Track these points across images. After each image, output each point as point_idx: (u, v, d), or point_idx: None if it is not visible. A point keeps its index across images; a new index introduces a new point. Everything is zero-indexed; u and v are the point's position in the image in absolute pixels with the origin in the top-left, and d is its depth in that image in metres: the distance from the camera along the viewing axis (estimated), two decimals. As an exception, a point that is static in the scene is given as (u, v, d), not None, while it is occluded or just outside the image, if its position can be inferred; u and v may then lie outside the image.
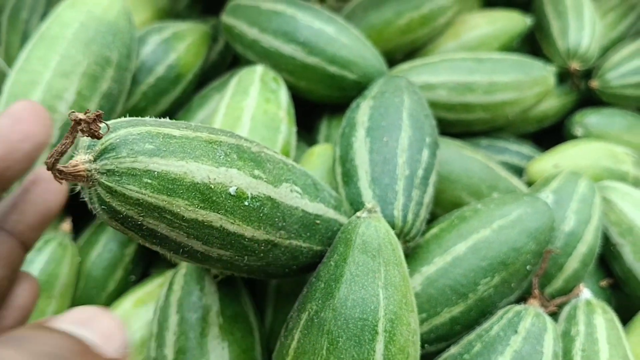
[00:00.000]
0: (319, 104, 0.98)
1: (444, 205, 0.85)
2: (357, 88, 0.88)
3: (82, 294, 0.80)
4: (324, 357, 0.52)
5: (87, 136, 0.41)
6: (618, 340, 0.69)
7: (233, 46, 0.94)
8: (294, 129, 0.83)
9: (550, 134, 1.14)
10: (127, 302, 0.76)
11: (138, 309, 0.75)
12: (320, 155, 0.84)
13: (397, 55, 1.05)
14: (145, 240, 0.48)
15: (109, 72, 0.77)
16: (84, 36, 0.75)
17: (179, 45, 0.91)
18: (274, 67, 0.89)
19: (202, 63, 0.97)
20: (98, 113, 0.41)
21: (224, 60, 1.08)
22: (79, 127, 0.41)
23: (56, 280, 0.74)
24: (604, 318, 0.72)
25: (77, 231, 0.86)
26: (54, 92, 0.73)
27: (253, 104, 0.79)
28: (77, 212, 0.84)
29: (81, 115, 0.40)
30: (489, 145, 1.03)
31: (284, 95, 0.85)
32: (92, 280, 0.80)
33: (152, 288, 0.79)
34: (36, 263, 0.74)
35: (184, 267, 0.71)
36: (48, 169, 0.43)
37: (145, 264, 0.89)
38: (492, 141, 1.04)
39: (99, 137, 0.42)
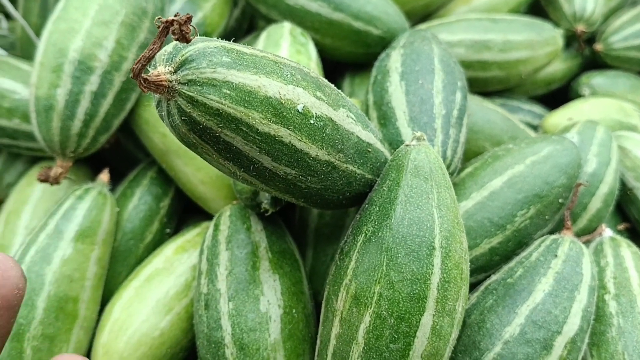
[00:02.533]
0: (339, 65, 1.00)
1: (468, 155, 0.88)
2: (381, 44, 0.91)
3: (120, 244, 0.81)
4: (384, 273, 0.54)
5: (177, 38, 0.43)
6: (645, 269, 0.73)
7: (255, 7, 0.96)
8: (324, 82, 0.85)
9: (556, 99, 1.18)
10: (169, 250, 0.78)
11: (179, 255, 0.77)
12: (348, 108, 0.86)
13: (411, 19, 1.08)
14: (220, 155, 0.50)
15: (146, 22, 0.78)
16: (121, -14, 0.76)
17: (205, 4, 0.92)
18: (299, 24, 0.91)
19: (226, 24, 0.98)
20: (188, 15, 0.42)
21: (240, 27, 1.10)
22: (171, 29, 0.42)
23: (99, 227, 0.75)
24: (630, 250, 0.75)
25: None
26: (94, 40, 0.74)
27: (286, 55, 0.81)
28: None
29: (172, 17, 0.42)
30: (502, 105, 1.06)
31: (312, 49, 0.87)
32: (130, 232, 0.82)
33: (191, 237, 0.80)
34: (78, 210, 0.74)
35: (228, 210, 0.73)
36: (133, 76, 0.44)
37: (178, 220, 0.91)
38: (505, 100, 1.07)
39: (188, 41, 0.43)
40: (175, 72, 0.46)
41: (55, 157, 0.77)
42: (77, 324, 0.71)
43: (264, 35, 0.87)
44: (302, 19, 0.90)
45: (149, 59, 0.44)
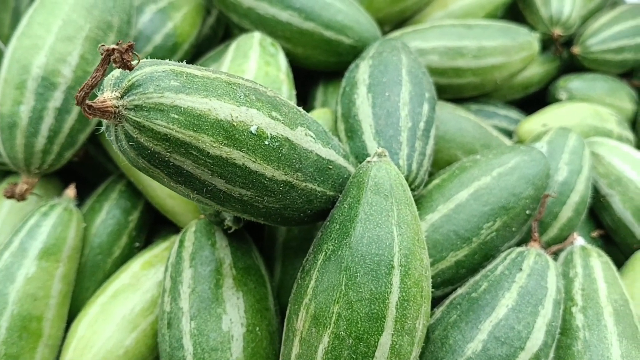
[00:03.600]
0: (313, 73, 1.00)
1: (440, 164, 0.88)
2: (352, 53, 0.90)
3: (88, 260, 0.80)
4: (343, 292, 0.54)
5: (119, 67, 0.42)
6: (614, 279, 0.73)
7: (227, 16, 0.95)
8: (294, 93, 0.85)
9: (534, 103, 1.18)
10: (136, 265, 0.77)
11: (146, 271, 0.76)
12: (319, 119, 0.85)
13: (386, 25, 1.07)
14: (171, 179, 0.49)
15: (111, 36, 0.77)
16: (85, 1, 0.75)
17: (175, 14, 0.92)
18: (271, 34, 0.90)
19: (198, 33, 0.97)
20: (130, 43, 0.42)
21: (215, 35, 1.09)
22: (112, 57, 0.42)
23: (64, 243, 0.74)
24: (599, 261, 0.75)
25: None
26: (58, 56, 0.73)
27: (254, 67, 0.80)
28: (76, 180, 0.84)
29: (114, 46, 0.41)
30: (478, 110, 1.06)
31: (282, 59, 0.86)
32: (98, 247, 0.81)
33: (159, 251, 0.79)
34: (43, 227, 0.74)
35: (193, 225, 0.72)
36: (77, 103, 0.44)
37: (147, 233, 0.90)
38: (481, 106, 1.07)
39: (130, 68, 0.43)
40: (122, 97, 0.45)
41: (21, 173, 0.77)
42: (41, 342, 0.71)
43: (233, 46, 0.86)
44: (274, 29, 0.90)
45: (92, 87, 0.43)
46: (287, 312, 0.61)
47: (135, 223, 0.85)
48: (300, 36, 0.89)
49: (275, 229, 0.77)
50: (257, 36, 0.87)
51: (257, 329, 0.64)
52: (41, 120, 0.73)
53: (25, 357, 0.69)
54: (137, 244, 0.85)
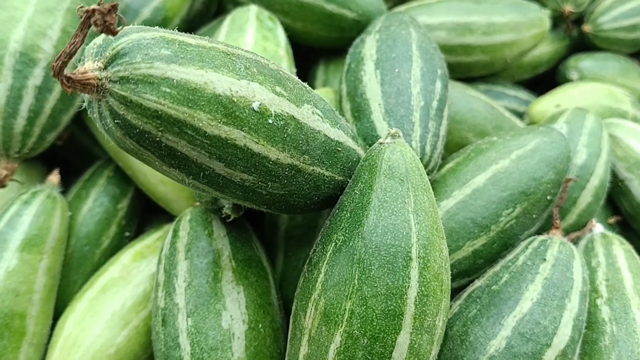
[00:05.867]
0: (313, 50, 0.94)
1: (450, 147, 0.82)
2: (356, 28, 0.84)
3: (74, 251, 0.74)
4: (356, 287, 0.49)
5: (100, 31, 0.36)
6: (638, 268, 0.68)
7: (222, -12, 0.89)
8: (294, 70, 0.79)
9: (542, 84, 1.13)
10: (126, 257, 0.72)
11: (138, 263, 0.71)
12: (321, 98, 0.80)
13: (389, 1, 1.01)
14: (163, 162, 0.44)
15: (95, 8, 0.71)
16: (66, -31, 0.69)
17: (164, -14, 0.85)
18: (268, 7, 0.84)
19: (189, 8, 0.91)
20: (113, 3, 0.36)
21: (207, 10, 1.02)
22: (92, 20, 0.36)
23: (47, 234, 0.68)
24: (622, 249, 0.71)
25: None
26: (37, 29, 0.67)
27: (251, 42, 0.74)
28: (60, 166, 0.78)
29: (94, 6, 0.36)
30: (487, 90, 1.00)
31: (281, 34, 0.80)
32: (85, 237, 0.75)
33: (151, 241, 0.74)
34: (24, 216, 0.68)
35: (188, 214, 0.66)
36: (54, 75, 0.38)
37: (138, 222, 0.84)
38: (489, 86, 1.01)
39: (114, 33, 0.37)
40: (105, 68, 0.40)
41: (-1, 158, 0.71)
42: (25, 341, 0.65)
43: (227, 20, 0.80)
44: (271, 2, 0.84)
45: (70, 55, 0.38)
46: (293, 308, 0.56)
47: (124, 211, 0.79)
48: (299, 10, 0.83)
49: (277, 217, 0.72)
50: (253, 9, 0.81)
51: (260, 325, 0.59)
52: (20, 99, 0.67)
53: (8, 357, 0.63)
54: (127, 234, 0.80)
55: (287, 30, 0.84)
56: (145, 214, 0.86)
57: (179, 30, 0.87)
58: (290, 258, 0.70)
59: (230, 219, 0.61)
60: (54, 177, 0.73)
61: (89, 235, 0.75)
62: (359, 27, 0.84)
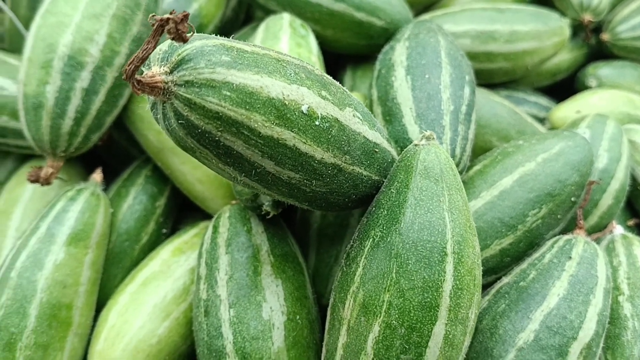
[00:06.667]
0: (339, 57, 0.97)
1: (474, 150, 0.84)
2: (384, 35, 0.88)
3: (115, 246, 0.78)
4: (394, 280, 0.52)
5: (173, 38, 0.40)
6: (659, 268, 0.71)
7: (253, -4, 0.92)
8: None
9: (560, 90, 1.15)
10: (165, 252, 0.75)
11: (177, 258, 0.74)
12: (350, 103, 0.83)
13: (413, 9, 1.04)
14: (219, 160, 0.47)
15: (139, 15, 0.75)
16: (113, -22, 0.72)
17: (200, -6, 0.89)
18: (299, 15, 0.87)
19: (222, 15, 0.94)
20: (185, 13, 0.39)
21: (237, 17, 1.06)
22: (166, 28, 0.39)
23: (92, 229, 0.72)
24: (642, 249, 0.73)
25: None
26: (84, 34, 0.70)
27: (285, 48, 0.78)
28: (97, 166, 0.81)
29: (168, 15, 0.39)
30: (508, 96, 1.03)
31: (313, 41, 0.83)
32: (125, 233, 0.79)
33: (188, 238, 0.77)
34: (71, 212, 0.71)
35: (227, 211, 0.70)
36: (126, 78, 0.41)
37: (174, 220, 0.88)
38: (510, 92, 1.04)
39: (185, 40, 0.40)
40: (171, 72, 0.43)
41: (46, 156, 0.74)
42: (71, 331, 0.68)
43: (262, 28, 0.83)
44: (302, 10, 0.87)
45: (143, 59, 0.41)
46: (331, 300, 0.59)
47: (162, 209, 0.83)
48: (330, 18, 0.86)
49: (309, 215, 0.75)
50: (286, 17, 0.84)
51: (298, 317, 0.62)
52: (68, 101, 0.70)
53: (55, 347, 0.67)
54: (164, 231, 0.83)
55: (317, 37, 0.88)
56: (180, 213, 0.89)
57: (213, 34, 0.90)
58: (322, 255, 0.73)
59: (270, 216, 0.64)
60: (97, 176, 0.77)
61: (128, 232, 0.79)
62: (387, 34, 0.87)
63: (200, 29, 0.89)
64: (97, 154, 0.91)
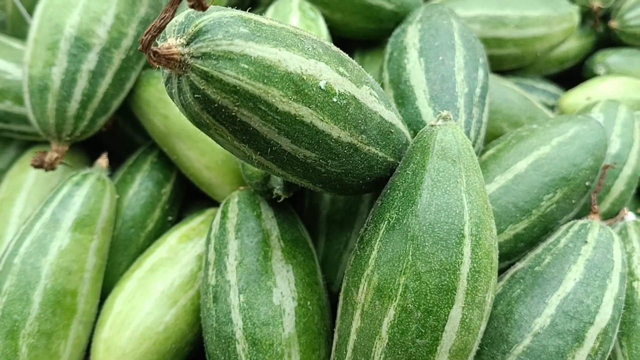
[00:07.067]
0: (350, 40, 0.96)
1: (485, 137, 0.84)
2: (394, 19, 0.86)
3: (120, 233, 0.76)
4: (410, 263, 0.50)
5: (192, 5, 0.38)
6: (673, 255, 0.70)
7: (260, -19, 0.91)
8: (334, 60, 0.81)
9: (567, 79, 1.14)
10: (172, 238, 0.73)
11: (184, 244, 0.72)
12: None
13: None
14: (235, 137, 0.45)
15: (145, -4, 0.73)
16: (119, -42, 0.71)
17: (206, -23, 0.87)
18: (308, -1, 0.86)
19: (227, 0, 0.93)
20: (205, -20, 0.38)
21: (242, 2, 1.04)
22: (185, -5, 0.38)
23: (98, 215, 0.70)
24: (656, 236, 0.72)
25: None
26: (92, 15, 0.69)
27: (295, 31, 0.76)
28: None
29: (187, -18, 0.37)
30: (517, 83, 1.02)
31: (322, 24, 0.82)
32: (130, 220, 0.77)
33: (196, 224, 0.76)
34: (76, 197, 0.70)
35: (235, 196, 0.68)
36: (142, 48, 0.40)
37: (180, 208, 0.86)
38: (519, 79, 1.03)
39: (204, 8, 0.39)
40: (187, 44, 0.42)
41: (50, 141, 0.73)
42: (75, 318, 0.67)
43: (271, 10, 0.82)
44: (311, -7, 0.86)
45: (160, 29, 0.39)
46: (344, 285, 0.57)
47: (168, 196, 0.81)
48: (339, 1, 0.85)
49: (318, 202, 0.74)
50: (295, 0, 0.82)
51: (309, 303, 0.61)
52: (74, 83, 0.69)
53: (59, 335, 0.65)
54: (170, 218, 0.82)
55: (326, 21, 0.86)
56: (185, 201, 0.88)
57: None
58: (331, 241, 0.72)
59: (280, 200, 0.63)
60: (103, 161, 0.75)
61: (134, 218, 0.77)
62: (397, 18, 0.86)
63: (207, 12, 0.87)
64: (101, 142, 0.89)
